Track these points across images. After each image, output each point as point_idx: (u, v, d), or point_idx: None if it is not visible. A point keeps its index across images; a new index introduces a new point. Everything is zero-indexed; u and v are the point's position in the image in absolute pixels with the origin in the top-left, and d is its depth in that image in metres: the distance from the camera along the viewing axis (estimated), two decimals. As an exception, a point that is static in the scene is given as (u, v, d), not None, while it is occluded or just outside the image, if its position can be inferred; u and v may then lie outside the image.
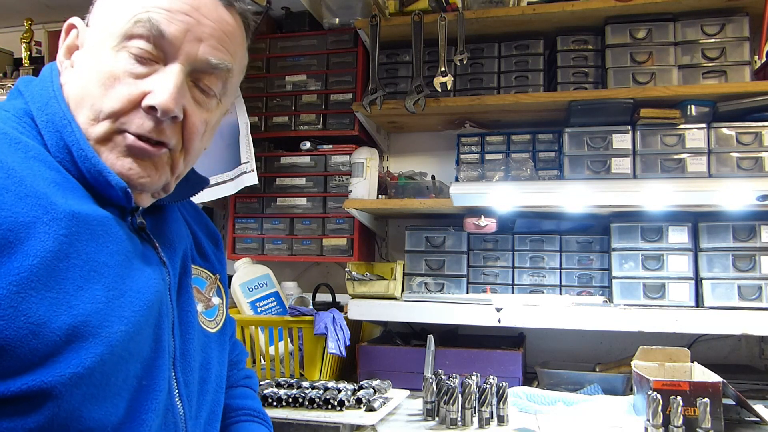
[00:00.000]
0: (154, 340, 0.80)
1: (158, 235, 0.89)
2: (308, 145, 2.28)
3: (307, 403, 1.52)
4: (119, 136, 0.79)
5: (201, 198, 1.39)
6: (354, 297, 1.99)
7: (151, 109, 0.78)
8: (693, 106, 1.91)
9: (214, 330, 0.98)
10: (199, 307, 0.95)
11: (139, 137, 0.79)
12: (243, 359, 1.21)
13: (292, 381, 1.66)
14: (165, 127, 0.80)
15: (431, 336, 1.76)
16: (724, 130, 1.89)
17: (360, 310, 1.97)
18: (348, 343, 1.84)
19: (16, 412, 0.66)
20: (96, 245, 0.74)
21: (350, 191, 2.15)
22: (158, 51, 0.79)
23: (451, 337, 2.18)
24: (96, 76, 0.79)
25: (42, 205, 0.70)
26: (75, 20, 0.86)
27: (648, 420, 1.34)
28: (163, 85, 0.78)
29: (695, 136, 1.90)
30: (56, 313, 0.68)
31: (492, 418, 1.49)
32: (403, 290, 2.08)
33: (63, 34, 0.86)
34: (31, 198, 0.70)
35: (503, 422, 1.49)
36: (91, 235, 0.74)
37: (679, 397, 1.34)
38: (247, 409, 1.10)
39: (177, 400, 0.84)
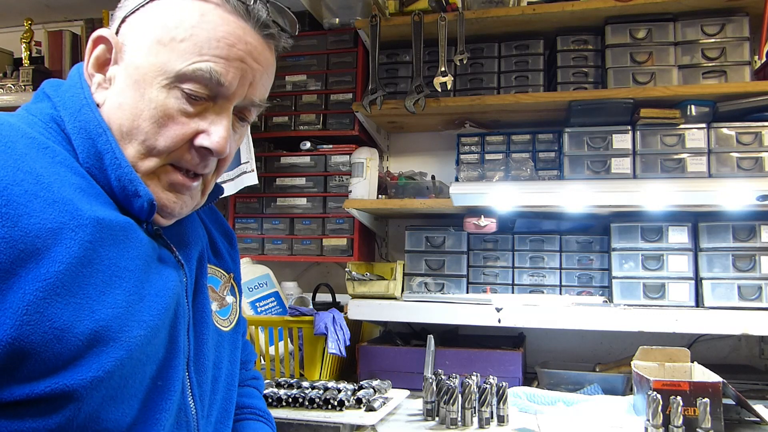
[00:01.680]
0: (170, 342, 0.82)
1: (174, 238, 0.90)
2: (308, 145, 2.28)
3: (307, 403, 1.52)
4: (165, 169, 0.83)
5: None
6: (354, 297, 1.99)
7: (205, 149, 0.82)
8: (693, 106, 1.91)
9: (227, 329, 0.99)
10: (214, 306, 0.97)
11: (183, 170, 0.84)
12: (252, 360, 1.23)
13: (292, 381, 1.66)
14: (210, 161, 0.85)
15: (431, 336, 1.76)
16: (724, 130, 1.89)
17: (360, 310, 1.97)
18: (348, 343, 1.84)
19: (39, 413, 0.67)
20: (118, 251, 0.76)
21: (350, 191, 2.15)
22: (212, 93, 0.82)
23: (451, 337, 2.18)
24: (148, 111, 0.80)
25: (68, 211, 0.72)
26: (105, 32, 0.84)
27: (648, 420, 1.34)
28: (218, 129, 0.82)
29: (695, 136, 1.90)
30: (79, 319, 0.69)
31: (492, 418, 1.49)
32: (403, 290, 2.08)
33: (90, 44, 0.85)
34: (59, 204, 0.71)
35: (503, 422, 1.49)
36: (114, 240, 0.75)
37: (679, 397, 1.34)
38: (252, 408, 1.11)
39: (190, 399, 0.85)
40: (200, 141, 0.81)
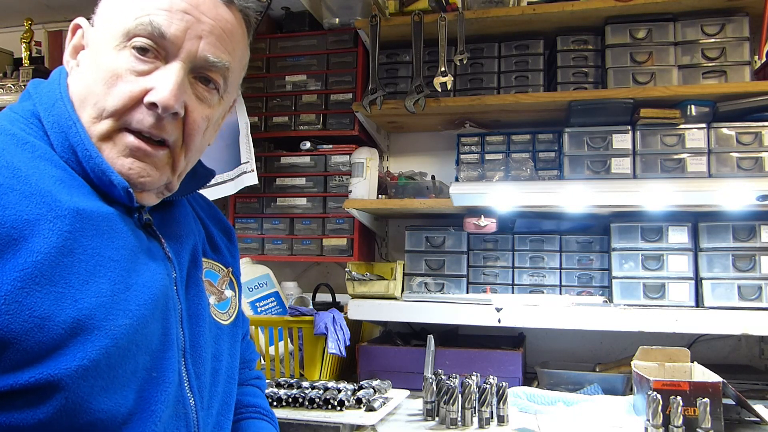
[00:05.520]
0: (163, 333, 0.82)
1: (165, 230, 0.90)
2: (308, 145, 2.28)
3: (307, 403, 1.52)
4: (120, 135, 0.81)
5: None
6: (354, 297, 1.99)
7: (153, 106, 0.79)
8: (693, 106, 1.91)
9: (226, 322, 1.00)
10: (212, 300, 0.97)
11: (140, 134, 0.81)
12: (254, 359, 1.23)
13: (292, 381, 1.66)
14: (166, 123, 0.81)
15: (431, 336, 1.76)
16: (724, 130, 1.89)
17: (360, 310, 1.97)
18: (348, 343, 1.84)
19: (26, 404, 0.68)
20: (101, 240, 0.76)
21: (350, 191, 2.15)
22: (159, 49, 0.81)
23: (451, 337, 2.18)
24: (99, 74, 0.80)
25: (46, 203, 0.72)
26: (81, 20, 0.88)
27: (648, 420, 1.34)
28: (164, 82, 0.80)
29: (695, 136, 1.90)
30: (61, 307, 0.70)
31: (492, 418, 1.49)
32: (403, 290, 2.08)
33: (69, 34, 0.88)
34: (36, 196, 0.72)
35: (503, 422, 1.49)
36: (96, 230, 0.76)
37: (679, 397, 1.34)
38: (255, 407, 1.11)
39: (188, 391, 0.85)
40: (148, 97, 0.79)
